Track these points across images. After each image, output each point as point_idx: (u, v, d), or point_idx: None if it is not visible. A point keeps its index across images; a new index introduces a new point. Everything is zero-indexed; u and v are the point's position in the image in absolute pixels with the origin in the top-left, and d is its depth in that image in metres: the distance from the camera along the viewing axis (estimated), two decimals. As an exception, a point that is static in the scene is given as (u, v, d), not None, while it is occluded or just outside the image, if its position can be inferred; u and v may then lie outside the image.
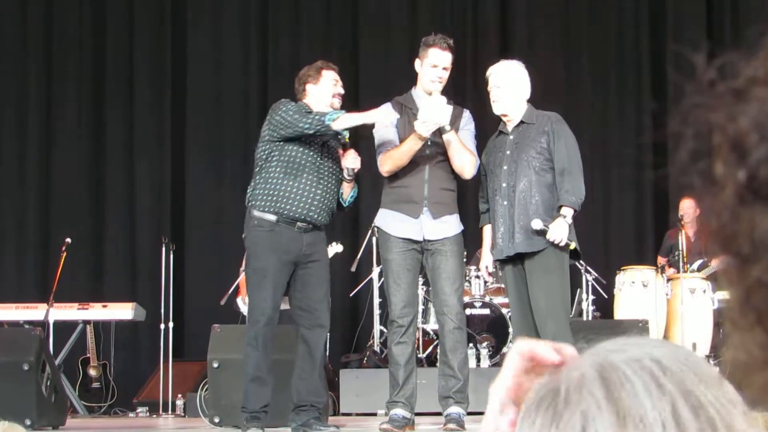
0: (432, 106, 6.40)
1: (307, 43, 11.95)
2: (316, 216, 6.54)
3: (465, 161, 6.51)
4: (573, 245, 6.31)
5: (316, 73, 6.75)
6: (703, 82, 0.73)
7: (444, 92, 6.87)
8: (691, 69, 0.74)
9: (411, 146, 6.46)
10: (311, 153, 6.58)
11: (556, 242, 6.26)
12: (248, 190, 6.68)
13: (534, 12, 12.03)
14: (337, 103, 6.71)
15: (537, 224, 6.30)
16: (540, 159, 6.36)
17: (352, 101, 11.57)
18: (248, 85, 12.09)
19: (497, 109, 6.54)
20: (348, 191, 6.75)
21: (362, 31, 12.03)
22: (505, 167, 6.41)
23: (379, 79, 11.09)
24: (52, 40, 12.01)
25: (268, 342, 6.51)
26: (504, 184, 6.43)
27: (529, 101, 6.58)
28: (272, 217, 6.50)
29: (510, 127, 6.52)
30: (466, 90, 11.71)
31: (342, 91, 6.78)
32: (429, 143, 6.51)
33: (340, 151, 6.68)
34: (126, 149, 11.93)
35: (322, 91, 6.71)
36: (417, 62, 6.65)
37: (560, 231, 6.27)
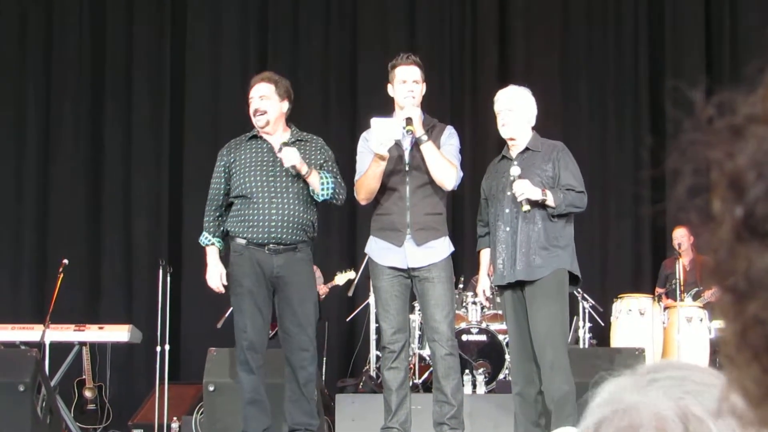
0: (377, 124, 6.40)
1: (307, 64, 11.97)
2: (280, 236, 6.52)
3: (444, 171, 6.44)
4: (526, 207, 6.29)
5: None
6: (701, 118, 0.73)
7: (440, 114, 6.90)
8: (690, 104, 0.74)
9: (373, 168, 6.43)
10: (258, 174, 6.58)
11: (516, 194, 6.27)
12: None
13: (532, 39, 12.06)
14: (257, 121, 6.70)
15: (515, 171, 6.32)
16: (546, 187, 6.36)
17: (350, 122, 11.62)
18: (246, 105, 12.07)
19: (506, 133, 6.52)
20: (314, 185, 6.58)
21: (360, 57, 12.04)
22: (508, 193, 6.41)
23: (376, 102, 11.10)
24: (50, 60, 12.02)
25: (259, 365, 6.50)
26: (507, 210, 6.42)
27: (533, 128, 6.59)
28: (242, 242, 6.56)
29: (514, 152, 6.52)
30: (464, 114, 11.75)
31: (257, 106, 6.72)
32: (408, 169, 6.49)
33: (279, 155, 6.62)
34: (123, 171, 11.92)
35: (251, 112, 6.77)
36: (389, 87, 6.63)
37: (527, 188, 6.26)
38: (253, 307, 6.48)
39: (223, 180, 6.70)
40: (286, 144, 6.54)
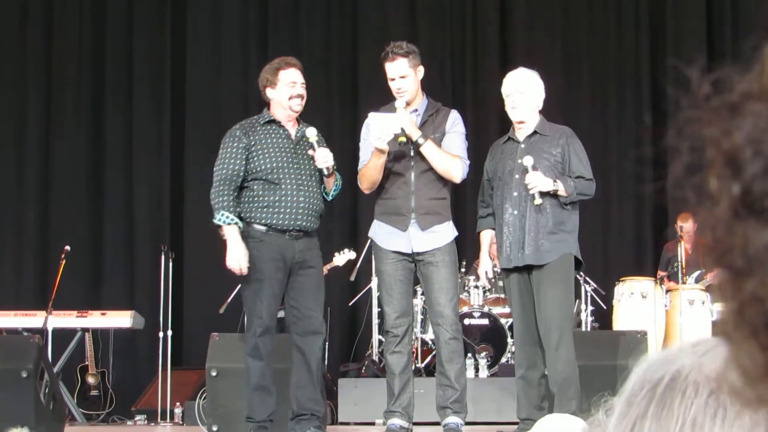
0: (375, 119, 6.39)
1: (307, 52, 11.96)
2: (303, 223, 6.51)
3: (448, 167, 6.45)
4: (538, 200, 6.28)
5: (273, 76, 6.60)
6: (698, 95, 0.73)
7: (441, 101, 6.88)
8: (688, 83, 0.74)
9: (375, 161, 6.45)
10: (284, 160, 6.54)
11: (528, 186, 6.26)
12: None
13: (534, 25, 12.04)
14: (296, 105, 6.58)
15: (528, 161, 6.30)
16: (554, 171, 6.36)
17: (351, 109, 11.63)
18: (247, 92, 12.08)
19: (516, 116, 6.50)
20: (330, 185, 6.65)
21: (361, 43, 12.03)
22: (516, 176, 6.40)
23: (377, 90, 11.10)
24: (51, 48, 12.01)
25: (268, 351, 6.49)
26: (515, 193, 6.41)
27: (540, 112, 6.58)
28: (262, 228, 6.49)
29: (521, 135, 6.50)
30: (466, 100, 11.73)
31: (301, 92, 6.60)
32: (413, 155, 6.48)
33: (311, 151, 6.58)
34: (125, 157, 11.92)
35: (280, 95, 6.58)
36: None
37: (539, 180, 6.26)
38: (270, 293, 6.45)
39: (243, 160, 6.53)
40: (318, 143, 6.57)
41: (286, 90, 6.56)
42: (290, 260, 6.50)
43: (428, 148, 6.39)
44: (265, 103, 6.75)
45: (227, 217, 6.46)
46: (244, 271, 6.46)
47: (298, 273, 6.54)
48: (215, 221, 6.53)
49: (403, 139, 6.37)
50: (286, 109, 6.58)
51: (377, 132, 6.32)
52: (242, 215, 6.54)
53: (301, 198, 6.50)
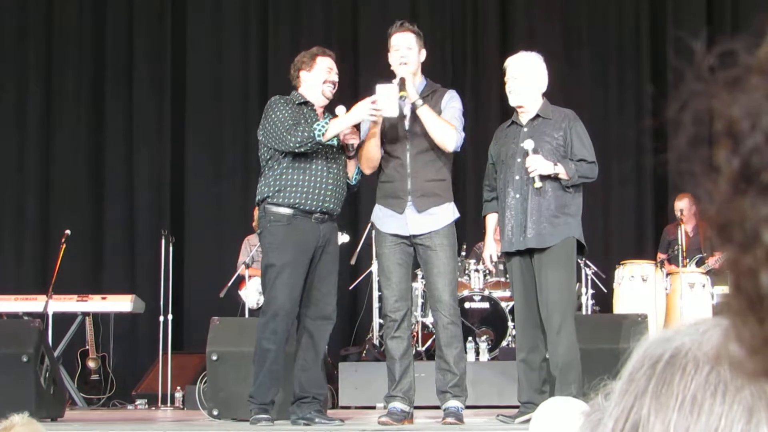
0: (382, 90, 6.39)
1: (308, 36, 11.94)
2: (331, 206, 6.54)
3: (442, 133, 6.42)
4: (538, 184, 6.28)
5: (311, 60, 6.70)
6: (701, 68, 0.72)
7: (441, 83, 6.88)
8: (691, 55, 0.74)
9: (370, 136, 6.49)
10: None
11: (529, 170, 6.27)
12: (258, 188, 6.64)
13: (534, 7, 12.02)
14: (329, 91, 6.66)
15: (529, 144, 6.30)
16: (556, 155, 6.36)
17: (351, 97, 11.60)
18: (248, 77, 12.08)
19: (513, 101, 6.51)
20: (352, 169, 6.70)
21: (362, 24, 12.02)
22: (519, 159, 6.40)
23: (379, 74, 11.08)
24: (52, 32, 12.00)
25: (283, 336, 6.49)
26: (517, 177, 6.41)
27: (544, 95, 6.56)
28: (288, 211, 6.48)
29: (525, 119, 6.49)
30: (466, 82, 11.71)
31: (335, 79, 6.72)
32: (408, 136, 6.49)
33: None
34: (126, 141, 11.92)
35: (315, 78, 6.66)
36: (389, 56, 6.64)
37: (539, 163, 6.26)
38: (290, 279, 6.44)
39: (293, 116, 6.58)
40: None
41: (322, 74, 6.68)
42: (314, 245, 6.51)
43: (424, 112, 6.41)
44: (293, 86, 6.78)
45: (321, 125, 6.43)
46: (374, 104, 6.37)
47: (320, 257, 6.56)
48: (324, 141, 6.39)
49: (404, 93, 6.38)
50: (318, 92, 6.67)
51: (385, 103, 6.32)
52: (268, 196, 6.54)
53: (330, 180, 6.53)
